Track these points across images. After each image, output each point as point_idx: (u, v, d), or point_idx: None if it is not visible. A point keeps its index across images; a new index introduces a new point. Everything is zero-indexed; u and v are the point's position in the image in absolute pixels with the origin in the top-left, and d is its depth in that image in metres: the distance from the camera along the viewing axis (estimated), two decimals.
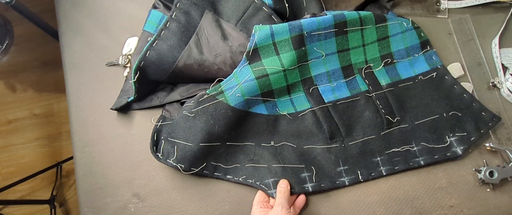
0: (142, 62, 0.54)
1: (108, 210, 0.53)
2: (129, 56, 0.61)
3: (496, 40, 0.60)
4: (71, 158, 1.23)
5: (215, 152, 0.53)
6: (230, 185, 0.54)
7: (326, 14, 0.53)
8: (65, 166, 1.27)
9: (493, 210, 0.52)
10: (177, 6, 0.56)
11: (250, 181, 0.52)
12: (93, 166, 0.56)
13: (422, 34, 0.59)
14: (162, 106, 0.57)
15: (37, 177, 1.21)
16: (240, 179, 0.52)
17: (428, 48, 0.59)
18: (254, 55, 0.52)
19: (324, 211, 0.53)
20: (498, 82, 0.58)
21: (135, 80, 0.53)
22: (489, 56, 0.60)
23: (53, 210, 1.16)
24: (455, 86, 0.57)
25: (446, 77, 0.57)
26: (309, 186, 0.52)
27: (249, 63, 0.52)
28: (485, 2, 0.62)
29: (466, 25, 0.62)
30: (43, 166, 1.22)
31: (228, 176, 0.53)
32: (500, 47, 0.60)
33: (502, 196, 0.53)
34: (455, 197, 0.53)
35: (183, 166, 0.51)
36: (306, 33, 0.52)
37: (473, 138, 0.54)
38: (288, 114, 0.55)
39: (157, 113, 0.57)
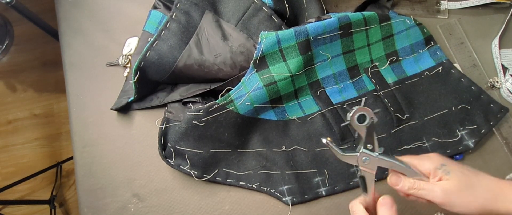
0: (142, 63, 0.54)
1: (108, 210, 0.53)
2: (129, 56, 0.61)
3: (496, 41, 0.60)
4: (71, 158, 1.24)
5: (226, 158, 0.53)
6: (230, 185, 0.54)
7: (331, 17, 0.53)
8: (65, 166, 1.27)
9: None
10: (177, 6, 0.56)
11: (264, 188, 0.52)
12: (93, 166, 0.56)
13: (425, 30, 0.59)
14: (162, 106, 0.57)
15: (37, 177, 1.21)
16: (253, 185, 0.52)
17: (432, 44, 0.59)
18: (261, 63, 0.52)
19: (324, 211, 0.53)
20: (497, 82, 0.58)
21: (135, 80, 0.53)
22: (487, 57, 0.60)
23: (53, 210, 1.16)
24: (462, 79, 0.57)
25: (452, 71, 0.58)
26: (322, 191, 0.52)
27: (256, 71, 0.52)
28: (485, 2, 0.63)
29: (456, 29, 0.62)
30: (43, 166, 1.22)
31: (241, 183, 0.52)
32: (500, 48, 0.60)
33: None
34: None
35: (196, 172, 0.51)
36: (312, 38, 0.52)
37: (483, 131, 0.54)
38: (297, 118, 0.55)
39: (158, 113, 0.57)
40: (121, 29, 0.63)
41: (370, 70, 0.57)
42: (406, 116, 0.55)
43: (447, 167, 0.40)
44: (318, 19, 0.53)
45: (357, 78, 0.57)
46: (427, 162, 0.41)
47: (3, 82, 1.42)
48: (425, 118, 0.55)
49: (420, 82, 0.57)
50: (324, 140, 0.39)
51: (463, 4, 0.63)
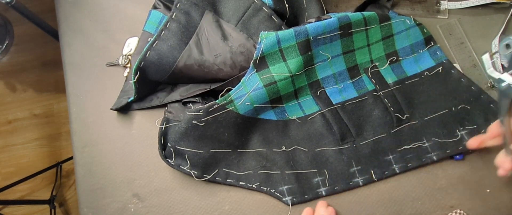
0: (142, 63, 0.54)
1: (108, 210, 0.53)
2: (129, 57, 0.61)
3: (496, 41, 0.60)
4: (71, 158, 1.24)
5: (226, 158, 0.53)
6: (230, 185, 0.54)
7: (331, 17, 0.53)
8: (65, 166, 1.27)
9: (493, 210, 0.52)
10: (177, 6, 0.56)
11: (264, 188, 0.52)
12: (93, 166, 0.56)
13: (425, 30, 0.59)
14: (162, 106, 0.57)
15: (37, 177, 1.21)
16: (253, 185, 0.52)
17: (432, 44, 0.59)
18: (261, 63, 0.52)
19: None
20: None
21: (135, 80, 0.53)
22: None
23: (53, 210, 1.16)
24: (462, 79, 0.57)
25: (452, 71, 0.58)
26: (322, 191, 0.52)
27: (256, 71, 0.52)
28: (485, 2, 0.62)
29: (456, 29, 0.62)
30: (43, 166, 1.22)
31: (241, 183, 0.52)
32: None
33: (502, 196, 0.52)
34: (455, 197, 0.52)
35: (196, 172, 0.51)
36: (312, 38, 0.52)
37: (483, 131, 0.54)
38: (297, 118, 0.55)
39: (158, 113, 0.57)
40: (121, 29, 0.63)
41: (370, 70, 0.57)
42: (406, 116, 0.55)
43: None
44: (318, 19, 0.53)
45: (357, 78, 0.57)
46: None
47: (3, 82, 1.42)
48: (425, 118, 0.55)
49: (420, 82, 0.57)
50: None
51: (463, 4, 0.63)
